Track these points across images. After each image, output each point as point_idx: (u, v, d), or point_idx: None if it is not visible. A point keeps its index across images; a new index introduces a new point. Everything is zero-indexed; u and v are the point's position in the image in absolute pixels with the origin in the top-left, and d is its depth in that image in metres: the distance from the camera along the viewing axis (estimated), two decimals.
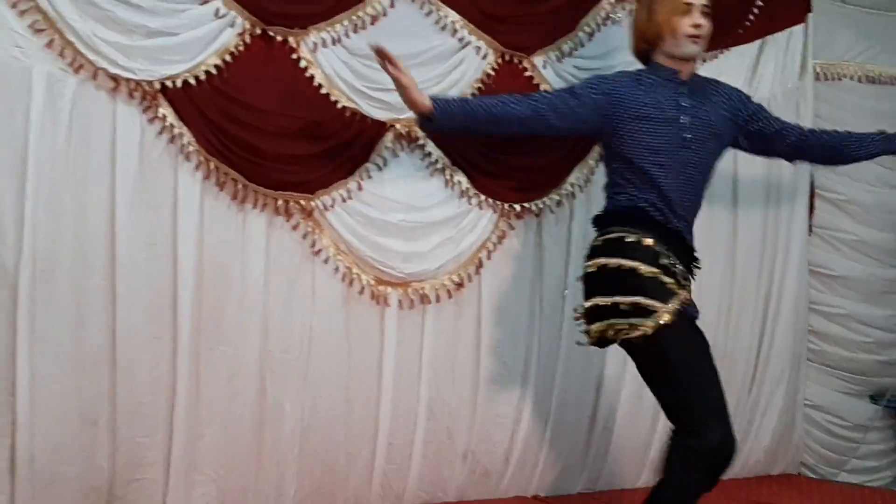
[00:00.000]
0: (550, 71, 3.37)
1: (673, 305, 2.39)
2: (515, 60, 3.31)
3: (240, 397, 2.95)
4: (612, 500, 3.46)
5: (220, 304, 2.92)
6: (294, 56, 2.97)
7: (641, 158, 2.56)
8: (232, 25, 2.86)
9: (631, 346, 2.45)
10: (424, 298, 3.20)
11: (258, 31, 2.90)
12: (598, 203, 3.39)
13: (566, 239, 3.46)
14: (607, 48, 3.50)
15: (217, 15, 2.83)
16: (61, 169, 2.68)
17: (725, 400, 2.40)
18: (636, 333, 2.36)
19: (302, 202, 3.01)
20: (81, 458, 2.73)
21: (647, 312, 2.37)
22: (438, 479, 3.29)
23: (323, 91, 3.00)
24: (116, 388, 2.77)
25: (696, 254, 2.69)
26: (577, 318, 2.59)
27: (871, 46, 4.19)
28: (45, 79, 2.64)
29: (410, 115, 3.05)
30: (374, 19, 3.07)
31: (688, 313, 2.46)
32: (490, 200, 3.30)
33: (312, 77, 2.99)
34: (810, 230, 4.03)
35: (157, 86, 2.77)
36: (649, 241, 2.47)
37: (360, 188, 3.10)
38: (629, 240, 2.48)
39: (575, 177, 3.44)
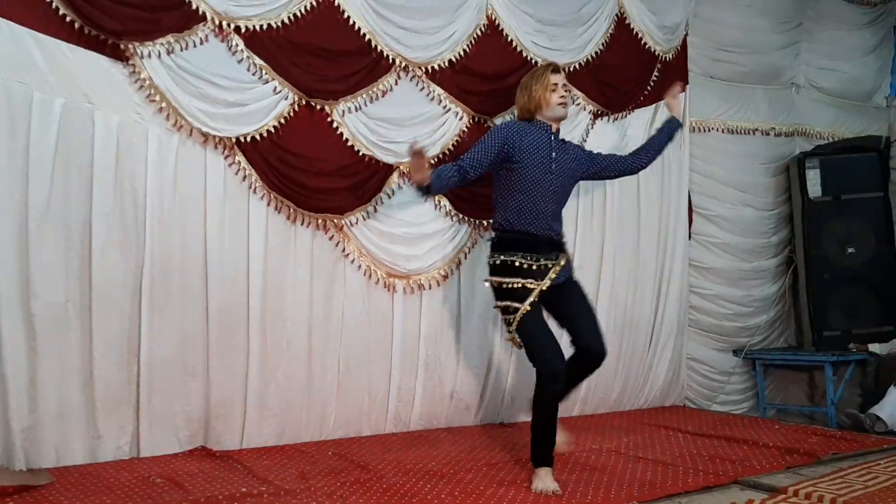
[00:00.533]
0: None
1: (527, 302, 2.51)
2: (482, 121, 3.38)
3: (295, 357, 3.00)
4: None
5: (280, 291, 2.97)
6: (328, 119, 3.04)
7: (521, 182, 2.60)
8: (286, 98, 2.94)
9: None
10: (421, 287, 3.26)
11: (303, 102, 2.98)
12: None
13: None
14: None
15: (275, 91, 2.92)
16: (169, 199, 2.75)
17: (560, 351, 2.49)
18: (513, 326, 2.54)
19: (335, 220, 3.08)
20: (185, 399, 2.80)
21: (512, 310, 2.53)
22: (433, 412, 3.32)
23: (349, 144, 3.07)
24: (209, 351, 2.83)
25: (563, 239, 2.72)
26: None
27: (729, 108, 4.28)
28: (157, 135, 2.73)
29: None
30: (384, 93, 3.15)
31: (552, 287, 2.57)
32: (465, 218, 3.36)
33: (342, 134, 3.06)
34: (690, 236, 4.10)
35: (234, 140, 2.85)
36: (517, 260, 2.56)
37: (375, 210, 3.16)
38: (507, 263, 2.57)
39: None
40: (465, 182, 2.71)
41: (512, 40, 3.46)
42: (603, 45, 3.72)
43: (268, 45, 2.90)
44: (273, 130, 2.92)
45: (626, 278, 3.85)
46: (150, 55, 2.68)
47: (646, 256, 3.93)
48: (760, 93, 4.41)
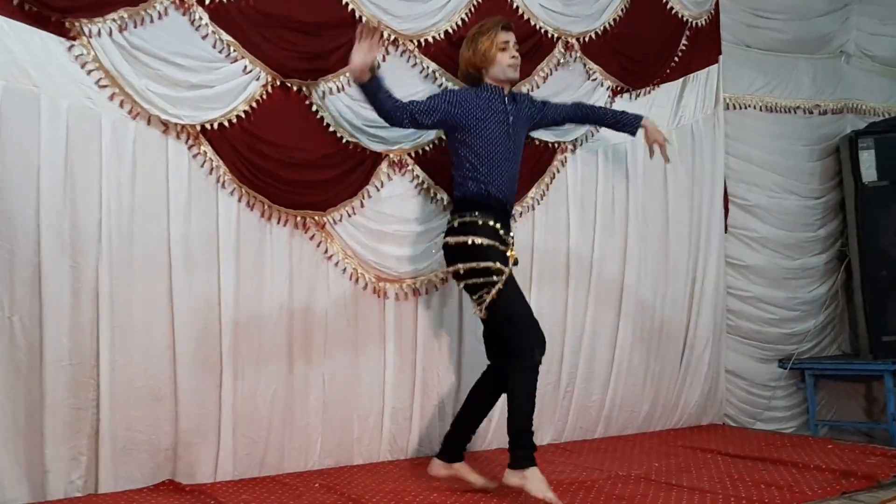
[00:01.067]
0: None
1: (509, 266, 2.63)
2: None
3: (274, 375, 2.98)
4: (574, 448, 3.49)
5: (255, 298, 2.95)
6: (307, 102, 3.04)
7: (481, 148, 2.72)
8: (257, 79, 2.93)
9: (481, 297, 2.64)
10: (416, 292, 3.25)
11: (278, 83, 2.97)
12: (555, 215, 3.58)
13: (530, 242, 3.51)
14: (559, 88, 3.57)
15: (245, 71, 2.91)
16: (128, 195, 2.74)
17: (538, 324, 2.64)
18: (494, 290, 2.58)
19: (316, 217, 3.07)
20: (150, 427, 2.77)
21: (494, 272, 2.59)
22: (434, 436, 3.27)
23: (331, 129, 3.07)
24: (177, 370, 2.80)
25: (512, 213, 2.88)
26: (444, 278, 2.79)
27: (768, 82, 4.27)
28: (111, 123, 2.71)
29: (401, 146, 3.20)
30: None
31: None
32: None
33: (322, 118, 3.06)
34: (726, 229, 4.08)
35: (199, 128, 2.84)
36: (491, 223, 2.66)
37: (362, 205, 3.16)
38: (480, 223, 2.64)
39: (533, 192, 3.52)
40: (400, 124, 2.86)
41: (518, 6, 3.47)
42: (622, 10, 3.74)
43: (236, 17, 2.89)
44: (243, 115, 2.92)
45: (653, 278, 3.85)
46: (99, 33, 2.67)
47: (676, 253, 3.93)
48: (804, 64, 4.40)
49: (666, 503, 2.56)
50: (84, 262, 2.68)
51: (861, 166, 4.27)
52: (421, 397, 3.28)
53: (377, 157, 3.18)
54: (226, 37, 2.88)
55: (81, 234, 2.67)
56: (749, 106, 4.23)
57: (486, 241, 2.63)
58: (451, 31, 3.29)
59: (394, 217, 3.23)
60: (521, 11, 3.47)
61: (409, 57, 3.24)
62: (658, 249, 3.87)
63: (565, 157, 3.64)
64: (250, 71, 2.92)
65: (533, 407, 2.56)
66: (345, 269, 3.14)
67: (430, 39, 3.26)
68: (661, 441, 3.64)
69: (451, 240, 2.70)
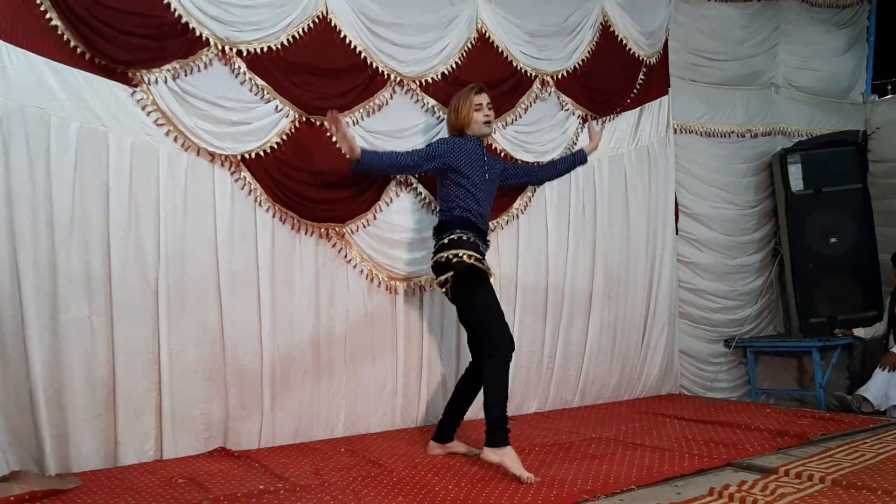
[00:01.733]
0: (499, 135, 3.47)
1: (487, 266, 2.65)
2: None
3: (305, 359, 3.01)
4: (555, 416, 3.50)
5: (288, 296, 2.98)
6: (328, 134, 3.04)
7: (466, 186, 2.70)
8: (287, 116, 2.96)
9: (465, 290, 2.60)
10: (422, 288, 3.27)
11: (304, 119, 3.00)
12: (535, 222, 3.59)
13: (515, 245, 3.54)
14: (537, 117, 3.60)
15: (276, 110, 2.94)
16: (181, 214, 2.77)
17: (509, 329, 2.59)
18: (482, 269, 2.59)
19: (337, 229, 3.09)
20: (204, 403, 2.81)
21: (479, 270, 2.59)
22: (439, 408, 3.20)
23: (347, 157, 2.95)
24: (225, 356, 2.84)
25: (488, 238, 2.82)
26: (440, 286, 2.70)
27: (709, 110, 4.30)
28: (167, 155, 2.75)
29: None
30: (380, 107, 3.17)
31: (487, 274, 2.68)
32: None
33: (340, 148, 2.99)
34: (677, 232, 4.11)
35: (239, 157, 2.87)
36: (472, 238, 2.65)
37: (375, 218, 3.17)
38: (464, 238, 2.62)
39: (517, 204, 3.54)
40: (408, 173, 3.03)
41: (502, 51, 3.50)
42: (589, 52, 3.76)
43: (268, 66, 2.92)
44: (276, 146, 2.94)
45: (617, 274, 3.88)
46: (156, 81, 2.72)
47: (636, 253, 3.96)
48: (740, 95, 4.42)
49: (632, 460, 2.58)
50: (146, 268, 2.71)
51: (790, 178, 4.31)
52: (426, 376, 3.30)
53: (386, 178, 3.19)
54: (260, 82, 2.91)
55: (143, 245, 2.71)
56: (694, 131, 4.26)
57: (468, 253, 2.60)
58: (446, 72, 3.32)
59: (401, 227, 3.24)
60: (504, 55, 3.50)
61: (413, 95, 3.26)
62: (621, 250, 3.90)
63: None
64: (281, 110, 2.95)
65: (507, 394, 2.52)
66: (362, 271, 3.16)
67: (430, 80, 3.28)
68: (627, 408, 3.66)
69: (444, 254, 2.64)
